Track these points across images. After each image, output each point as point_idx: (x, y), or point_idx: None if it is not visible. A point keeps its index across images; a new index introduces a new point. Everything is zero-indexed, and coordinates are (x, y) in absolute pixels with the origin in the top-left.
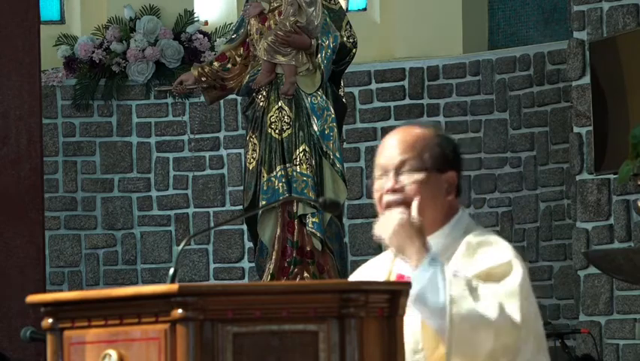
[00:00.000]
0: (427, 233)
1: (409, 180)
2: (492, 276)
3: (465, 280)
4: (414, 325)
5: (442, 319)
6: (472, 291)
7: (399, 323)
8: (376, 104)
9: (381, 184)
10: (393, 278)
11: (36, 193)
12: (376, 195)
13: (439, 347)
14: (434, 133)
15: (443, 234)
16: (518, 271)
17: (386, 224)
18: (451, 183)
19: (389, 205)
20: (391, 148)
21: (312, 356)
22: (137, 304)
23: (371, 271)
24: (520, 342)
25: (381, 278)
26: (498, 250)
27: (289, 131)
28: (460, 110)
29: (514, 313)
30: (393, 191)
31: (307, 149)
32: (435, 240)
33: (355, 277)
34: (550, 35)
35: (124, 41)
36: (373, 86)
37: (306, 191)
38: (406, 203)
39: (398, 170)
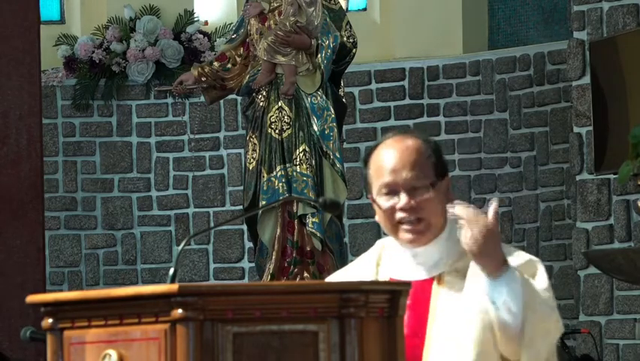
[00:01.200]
0: (433, 238)
1: (421, 198)
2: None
3: (529, 281)
4: (470, 337)
5: (517, 323)
6: (537, 291)
7: (399, 323)
8: (376, 104)
9: (391, 201)
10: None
11: (36, 193)
12: (386, 214)
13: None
14: (425, 141)
15: (443, 238)
16: (543, 268)
17: (474, 231)
18: (448, 188)
19: (403, 222)
20: (396, 166)
21: (312, 356)
22: (137, 304)
23: (353, 274)
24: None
25: (368, 278)
26: (515, 251)
27: (289, 131)
28: (460, 110)
29: (554, 307)
30: (409, 209)
31: (307, 149)
32: (432, 248)
33: (336, 277)
34: (550, 35)
35: (124, 41)
36: (373, 86)
37: (306, 191)
38: (420, 220)
39: (409, 189)
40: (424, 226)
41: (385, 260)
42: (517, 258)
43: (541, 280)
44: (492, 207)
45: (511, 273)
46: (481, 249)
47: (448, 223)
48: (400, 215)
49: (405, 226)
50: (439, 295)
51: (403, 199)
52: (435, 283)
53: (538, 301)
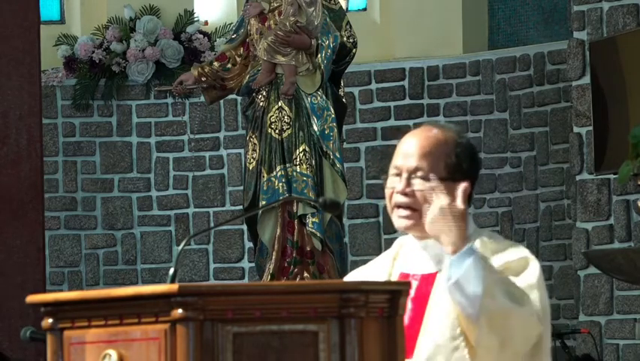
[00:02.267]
0: (430, 236)
1: (419, 186)
2: (509, 270)
3: (497, 271)
4: (451, 310)
5: (474, 308)
6: (505, 282)
7: (399, 323)
8: (376, 104)
9: (394, 183)
10: (394, 278)
11: (36, 193)
12: (387, 192)
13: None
14: (455, 140)
15: None
16: (535, 266)
17: (430, 211)
18: (463, 192)
19: (398, 206)
20: (409, 151)
21: (312, 356)
22: (137, 304)
23: (371, 271)
24: (543, 333)
25: (381, 279)
26: (513, 247)
27: (289, 131)
28: (460, 110)
29: (536, 304)
30: (404, 194)
31: (307, 149)
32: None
33: (352, 276)
34: (550, 35)
35: (124, 41)
36: (373, 86)
37: (306, 191)
38: (412, 208)
39: (411, 174)
40: (417, 216)
41: (402, 255)
42: (511, 254)
43: (528, 277)
44: (460, 189)
45: (471, 256)
46: (436, 225)
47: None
48: (396, 198)
49: (399, 212)
50: (440, 288)
51: (401, 183)
52: (438, 275)
53: (504, 292)
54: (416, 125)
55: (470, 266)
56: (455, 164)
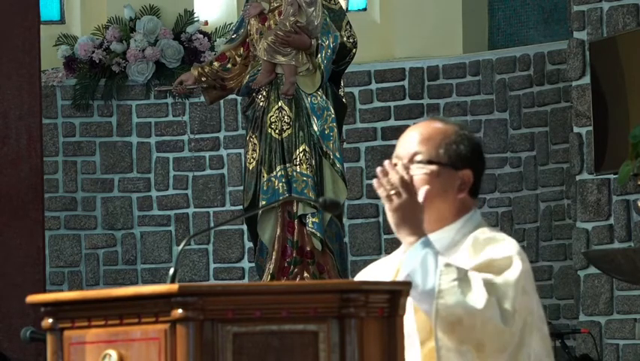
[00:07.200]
0: (434, 226)
1: (418, 170)
2: (491, 267)
3: (456, 271)
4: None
5: (430, 304)
6: (463, 282)
7: (399, 323)
8: (376, 104)
9: None
10: (400, 277)
11: (36, 193)
12: None
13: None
14: (456, 130)
15: (452, 229)
16: (517, 266)
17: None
18: (465, 181)
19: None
20: (409, 139)
21: (312, 356)
22: (137, 304)
23: (379, 269)
24: (512, 336)
25: (389, 277)
26: (503, 246)
27: (289, 131)
28: (460, 110)
29: (507, 305)
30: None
31: (307, 149)
32: (443, 234)
33: (363, 274)
34: (550, 35)
35: (124, 41)
36: (373, 86)
37: (306, 191)
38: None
39: (411, 160)
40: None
41: None
42: (498, 251)
43: (507, 275)
44: (422, 191)
45: (423, 250)
46: (391, 220)
47: (460, 219)
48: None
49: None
50: None
51: (400, 168)
52: None
53: (461, 293)
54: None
55: (421, 261)
56: (456, 151)
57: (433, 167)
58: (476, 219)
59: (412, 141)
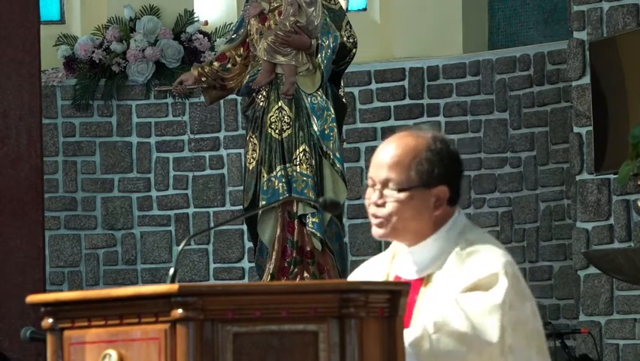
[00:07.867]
0: (414, 242)
1: (391, 198)
2: (479, 288)
3: (423, 326)
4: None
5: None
6: (436, 327)
7: (399, 323)
8: (376, 104)
9: (369, 194)
10: (391, 279)
11: (36, 193)
12: (366, 202)
13: None
14: (428, 145)
15: (432, 242)
16: (503, 283)
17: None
18: (440, 198)
19: (373, 216)
20: (381, 161)
21: (312, 356)
22: (137, 304)
23: (369, 271)
24: (500, 357)
25: (379, 279)
26: (486, 260)
27: (289, 131)
28: (460, 110)
29: (492, 330)
30: (376, 205)
31: (307, 149)
32: (423, 249)
33: (354, 276)
34: (550, 35)
35: (124, 41)
36: (373, 86)
37: (306, 191)
38: (386, 219)
39: (384, 185)
40: (390, 227)
41: (398, 256)
42: (482, 268)
43: (492, 297)
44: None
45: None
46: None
47: (438, 232)
48: (370, 210)
49: (373, 220)
50: (424, 297)
51: (374, 195)
52: (423, 284)
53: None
54: (416, 125)
55: None
56: (428, 170)
57: (404, 194)
58: (459, 225)
59: (383, 165)
